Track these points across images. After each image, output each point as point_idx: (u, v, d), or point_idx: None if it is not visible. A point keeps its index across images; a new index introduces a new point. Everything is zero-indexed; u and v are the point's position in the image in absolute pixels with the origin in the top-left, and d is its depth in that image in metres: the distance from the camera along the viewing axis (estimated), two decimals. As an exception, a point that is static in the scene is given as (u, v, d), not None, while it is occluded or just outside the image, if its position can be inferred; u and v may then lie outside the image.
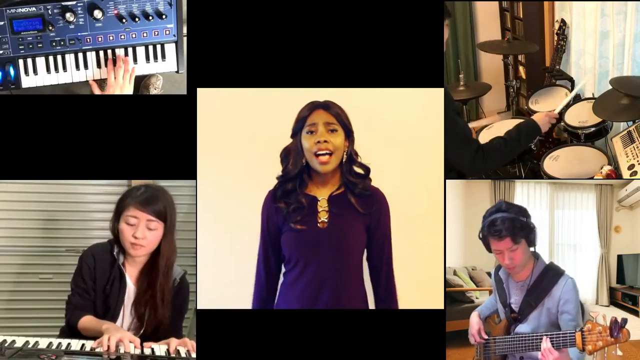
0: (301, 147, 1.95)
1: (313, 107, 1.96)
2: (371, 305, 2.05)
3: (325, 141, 1.92)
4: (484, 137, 2.99)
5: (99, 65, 2.34)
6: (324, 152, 1.92)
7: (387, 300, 2.02)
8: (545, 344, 1.89)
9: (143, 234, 2.11)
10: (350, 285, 1.97)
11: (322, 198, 1.97)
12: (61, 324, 2.19)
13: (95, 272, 2.14)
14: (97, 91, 2.36)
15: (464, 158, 2.33)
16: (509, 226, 1.99)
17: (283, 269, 2.00)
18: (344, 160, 1.98)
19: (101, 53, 2.33)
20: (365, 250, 2.00)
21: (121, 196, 2.16)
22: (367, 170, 2.02)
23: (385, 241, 2.02)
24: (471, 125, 3.50)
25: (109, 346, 1.92)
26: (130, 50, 2.36)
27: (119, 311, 2.16)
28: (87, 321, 2.10)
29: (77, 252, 2.26)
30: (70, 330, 2.11)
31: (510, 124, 2.70)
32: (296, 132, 1.97)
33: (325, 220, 1.95)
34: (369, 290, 2.03)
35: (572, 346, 1.87)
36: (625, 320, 1.82)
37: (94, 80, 2.35)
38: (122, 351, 1.93)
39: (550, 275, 2.01)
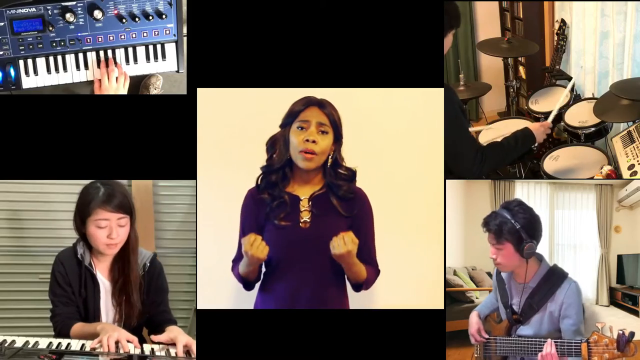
0: (289, 141, 1.93)
1: (309, 102, 1.94)
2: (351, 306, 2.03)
3: (313, 141, 1.90)
4: (483, 138, 2.98)
5: (99, 66, 2.34)
6: (309, 152, 1.90)
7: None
8: (550, 348, 1.88)
9: (117, 233, 2.09)
10: (330, 287, 1.95)
11: (304, 197, 1.95)
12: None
13: (68, 277, 2.13)
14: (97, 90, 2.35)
15: (465, 158, 2.32)
16: (497, 224, 1.97)
17: (263, 269, 1.97)
18: (328, 164, 1.95)
19: (101, 53, 2.33)
20: None
21: (81, 198, 2.11)
22: (352, 173, 1.99)
23: (367, 242, 1.98)
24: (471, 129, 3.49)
25: (108, 346, 1.93)
26: (130, 50, 2.36)
27: (99, 310, 2.15)
28: (78, 328, 2.08)
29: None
30: None
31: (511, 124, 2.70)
32: (286, 124, 1.94)
33: (307, 220, 1.93)
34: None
35: (577, 356, 1.85)
36: (632, 334, 1.79)
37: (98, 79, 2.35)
38: (121, 351, 1.93)
39: (554, 278, 2.00)
